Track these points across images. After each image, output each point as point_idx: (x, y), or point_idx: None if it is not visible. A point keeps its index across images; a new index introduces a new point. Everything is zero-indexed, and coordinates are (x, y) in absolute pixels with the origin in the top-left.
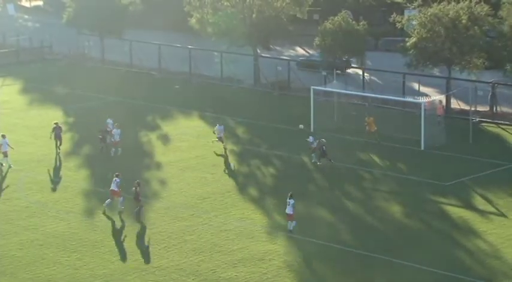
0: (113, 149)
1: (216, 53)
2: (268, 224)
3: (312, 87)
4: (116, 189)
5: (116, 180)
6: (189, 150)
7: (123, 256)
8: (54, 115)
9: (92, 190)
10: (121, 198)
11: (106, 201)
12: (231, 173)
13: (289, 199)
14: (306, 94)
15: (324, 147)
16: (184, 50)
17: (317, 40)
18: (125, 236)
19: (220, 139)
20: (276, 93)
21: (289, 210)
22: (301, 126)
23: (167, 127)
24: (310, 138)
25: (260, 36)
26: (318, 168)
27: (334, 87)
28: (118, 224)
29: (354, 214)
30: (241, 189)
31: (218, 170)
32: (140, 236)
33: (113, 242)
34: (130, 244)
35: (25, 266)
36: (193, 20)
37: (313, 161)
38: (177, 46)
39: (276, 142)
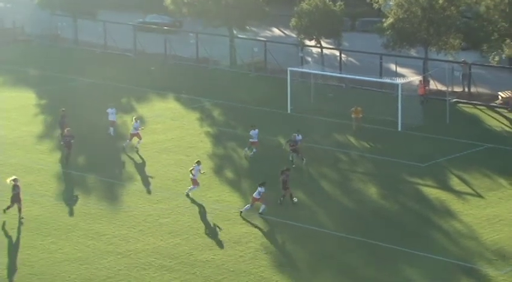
0: (139, 140)
1: (191, 34)
2: (244, 206)
3: (289, 68)
4: (195, 177)
5: (196, 167)
6: (165, 132)
7: (98, 239)
8: (27, 97)
9: (66, 173)
10: (194, 187)
11: (190, 188)
12: (207, 155)
13: (260, 187)
14: (283, 75)
15: (292, 143)
16: (159, 31)
17: (293, 21)
18: (100, 219)
19: (253, 145)
20: (252, 75)
21: (255, 194)
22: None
23: (142, 109)
24: (297, 136)
25: (236, 17)
26: (294, 150)
27: (310, 69)
28: (93, 207)
29: (330, 196)
30: (217, 171)
31: (194, 152)
32: (115, 219)
33: (88, 226)
34: (105, 227)
35: None
36: (168, 0)
37: (290, 159)
38: (152, 27)
39: (252, 124)
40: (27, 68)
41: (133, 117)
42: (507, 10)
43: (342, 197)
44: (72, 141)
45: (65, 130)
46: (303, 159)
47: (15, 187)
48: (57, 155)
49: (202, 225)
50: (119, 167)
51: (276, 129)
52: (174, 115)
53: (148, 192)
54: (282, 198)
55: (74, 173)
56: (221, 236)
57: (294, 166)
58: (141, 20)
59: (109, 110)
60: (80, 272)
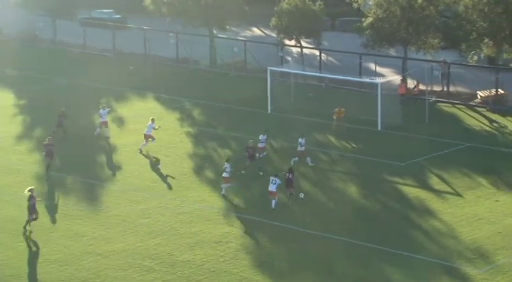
0: (146, 143)
1: (171, 34)
2: (225, 206)
3: (269, 68)
4: (228, 176)
5: (226, 166)
6: None
7: (78, 240)
8: (5, 97)
9: (44, 174)
10: (227, 184)
11: (223, 186)
12: (187, 156)
13: (274, 177)
14: (263, 75)
15: (250, 150)
16: (139, 31)
17: (273, 20)
18: (80, 220)
19: (261, 151)
20: (233, 74)
21: (271, 187)
22: (301, 195)
23: (121, 109)
24: (301, 140)
25: (216, 17)
26: (274, 150)
27: (290, 68)
28: (72, 208)
29: (311, 195)
30: (198, 171)
31: (174, 153)
32: (95, 220)
33: (67, 227)
34: (84, 228)
35: None
36: (147, 0)
37: (292, 163)
38: (131, 27)
39: (232, 124)
40: (5, 68)
41: (151, 118)
42: (485, 10)
43: (322, 196)
44: (53, 149)
45: (46, 138)
46: (259, 168)
47: (31, 197)
48: (37, 156)
49: (182, 226)
50: (99, 168)
51: (257, 129)
52: (154, 115)
53: (128, 192)
54: (290, 196)
55: (53, 174)
56: (201, 236)
57: (261, 174)
58: (87, 15)
59: (101, 111)
60: (59, 273)
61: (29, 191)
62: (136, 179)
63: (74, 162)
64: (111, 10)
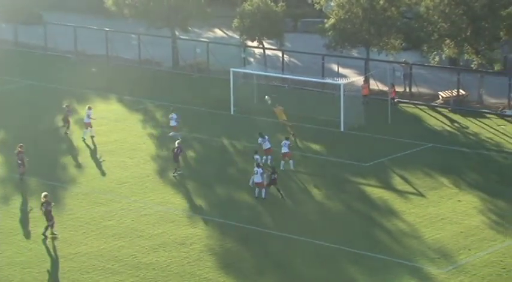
0: (172, 133)
1: (133, 35)
2: (189, 208)
3: (232, 69)
4: (261, 181)
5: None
6: (107, 134)
7: (41, 243)
8: None
9: (7, 176)
10: (259, 188)
11: (256, 192)
12: (150, 157)
13: (257, 168)
14: (226, 76)
15: (176, 149)
16: (101, 32)
17: (235, 22)
18: (43, 223)
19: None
20: (195, 76)
21: (257, 179)
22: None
23: (84, 111)
24: (285, 143)
25: (178, 18)
26: (237, 152)
27: (253, 69)
28: (35, 211)
29: (274, 197)
30: (161, 173)
31: (137, 154)
32: (58, 223)
33: (30, 229)
34: (48, 231)
35: None
36: (109, 2)
37: (281, 168)
38: (93, 28)
39: (195, 125)
40: None
41: (171, 109)
42: (446, 11)
43: (286, 197)
44: (24, 159)
45: (18, 146)
46: (178, 169)
47: (46, 203)
48: None
49: (146, 228)
50: (62, 170)
51: (219, 131)
52: (117, 117)
53: (91, 194)
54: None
55: (16, 176)
56: (165, 237)
57: (176, 174)
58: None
59: (88, 112)
60: (22, 276)
61: (44, 196)
62: (100, 181)
63: (37, 164)
64: None
